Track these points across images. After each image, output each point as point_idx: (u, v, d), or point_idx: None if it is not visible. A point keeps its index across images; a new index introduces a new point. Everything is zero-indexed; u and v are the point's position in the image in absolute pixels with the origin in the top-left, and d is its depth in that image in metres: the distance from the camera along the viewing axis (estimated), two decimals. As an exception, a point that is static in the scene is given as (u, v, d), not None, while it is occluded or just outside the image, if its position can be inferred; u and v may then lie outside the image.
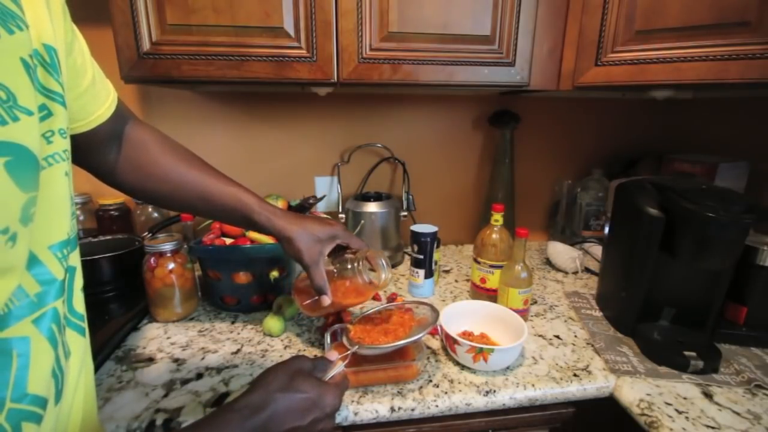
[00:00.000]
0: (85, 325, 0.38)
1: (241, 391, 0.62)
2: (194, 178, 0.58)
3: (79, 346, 0.37)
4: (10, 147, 0.25)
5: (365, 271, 0.65)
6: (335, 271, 0.66)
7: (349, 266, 0.65)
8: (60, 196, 0.33)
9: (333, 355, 0.53)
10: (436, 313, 0.68)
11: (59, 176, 0.33)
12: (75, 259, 0.36)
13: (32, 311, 0.29)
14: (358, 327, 0.66)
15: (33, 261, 0.30)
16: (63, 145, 0.34)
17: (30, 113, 0.28)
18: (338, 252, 0.67)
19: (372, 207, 1.08)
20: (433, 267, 0.95)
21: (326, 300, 0.62)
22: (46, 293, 0.30)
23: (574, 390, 0.66)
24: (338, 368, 0.53)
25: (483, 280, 0.91)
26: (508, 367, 0.70)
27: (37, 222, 0.29)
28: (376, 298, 0.93)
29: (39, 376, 0.29)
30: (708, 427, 0.57)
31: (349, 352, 0.57)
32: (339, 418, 0.60)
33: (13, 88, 0.26)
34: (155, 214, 1.07)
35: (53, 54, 0.33)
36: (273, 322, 0.78)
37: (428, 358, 0.72)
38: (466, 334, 0.74)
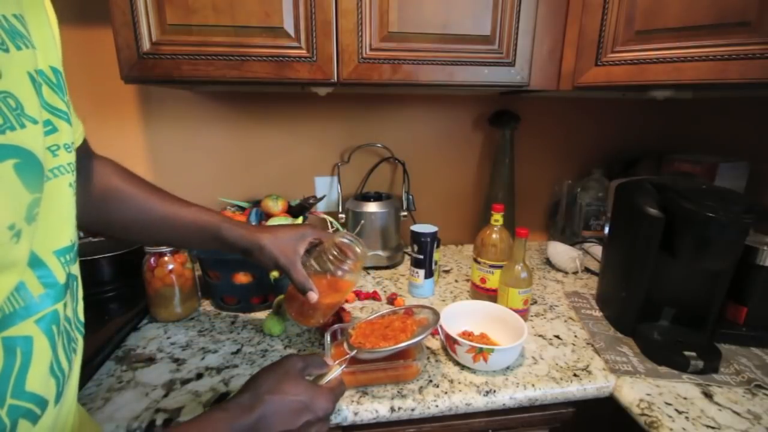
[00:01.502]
0: (84, 332, 0.40)
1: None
2: (157, 202, 0.59)
3: (81, 351, 0.38)
4: (19, 150, 0.28)
5: (340, 257, 0.65)
6: (313, 269, 0.66)
7: (325, 258, 0.65)
8: (65, 205, 0.35)
9: (330, 359, 0.53)
10: (436, 315, 0.67)
11: (64, 186, 0.35)
12: (76, 269, 0.38)
13: (35, 312, 0.31)
14: (359, 332, 0.66)
15: (38, 264, 0.31)
16: (68, 158, 0.36)
17: (35, 122, 0.30)
18: (312, 252, 0.67)
19: (372, 207, 1.08)
20: (433, 267, 0.95)
21: (313, 296, 0.62)
22: (48, 296, 0.32)
23: (574, 390, 0.66)
24: (335, 372, 0.53)
25: (483, 280, 0.91)
26: (508, 367, 0.70)
27: (44, 227, 0.31)
28: (375, 297, 0.94)
29: (37, 375, 0.30)
30: (708, 427, 0.57)
31: (347, 356, 0.57)
32: (339, 418, 0.60)
33: (21, 98, 0.29)
34: (155, 214, 1.07)
35: (59, 76, 0.36)
36: (273, 322, 0.78)
37: (428, 358, 0.72)
38: (466, 334, 0.75)
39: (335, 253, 0.65)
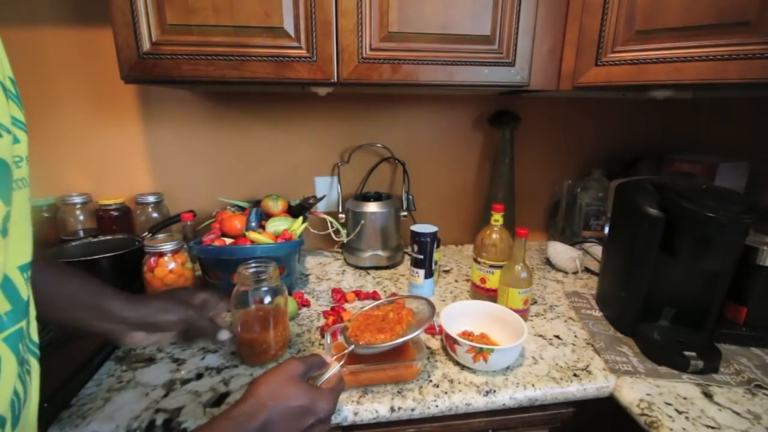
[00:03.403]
0: (39, 354, 0.38)
1: (241, 391, 0.62)
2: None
3: (37, 373, 0.36)
4: None
5: (253, 282, 0.66)
6: (237, 307, 0.66)
7: (241, 293, 0.65)
8: (25, 220, 0.34)
9: (329, 356, 0.53)
10: (432, 308, 0.67)
11: (24, 200, 0.34)
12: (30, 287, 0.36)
13: (4, 329, 0.29)
14: (355, 324, 0.66)
15: (5, 280, 0.30)
16: (26, 172, 0.35)
17: (7, 130, 0.28)
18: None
19: (372, 207, 1.08)
20: (433, 267, 0.95)
21: (224, 334, 0.60)
22: (14, 312, 0.31)
23: (574, 390, 0.66)
24: (334, 369, 0.53)
25: (483, 280, 0.91)
26: (508, 367, 0.70)
27: (10, 240, 0.29)
28: (375, 297, 0.94)
29: (3, 396, 0.29)
30: (708, 427, 0.57)
31: (344, 352, 0.58)
32: (339, 418, 0.60)
33: None
34: (155, 214, 1.07)
35: (16, 88, 0.34)
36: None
37: (428, 358, 0.72)
38: (466, 334, 0.74)
39: (245, 280, 0.65)
